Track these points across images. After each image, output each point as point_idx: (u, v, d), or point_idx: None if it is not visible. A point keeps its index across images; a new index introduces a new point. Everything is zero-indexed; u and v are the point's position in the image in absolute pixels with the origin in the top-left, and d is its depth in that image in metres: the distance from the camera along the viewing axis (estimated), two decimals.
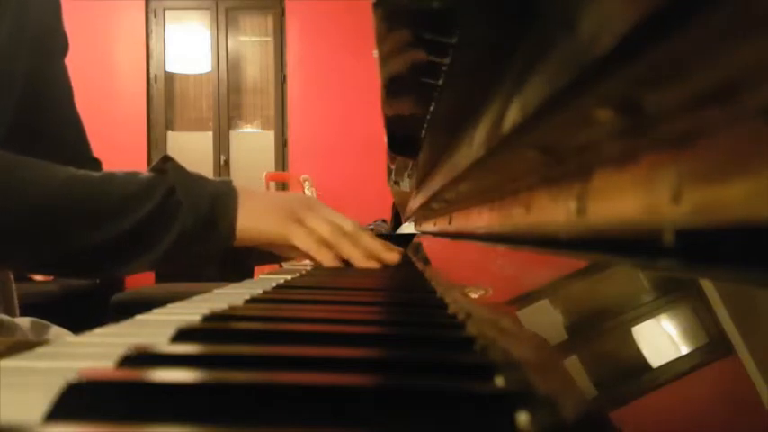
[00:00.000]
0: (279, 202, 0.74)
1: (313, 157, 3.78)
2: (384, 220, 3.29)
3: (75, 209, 0.63)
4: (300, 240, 0.72)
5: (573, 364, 0.21)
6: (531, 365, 0.21)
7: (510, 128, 0.25)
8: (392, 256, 0.75)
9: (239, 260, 0.87)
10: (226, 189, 0.70)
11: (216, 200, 0.68)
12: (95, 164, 0.92)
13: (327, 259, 0.72)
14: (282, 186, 3.70)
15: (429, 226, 0.96)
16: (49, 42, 0.81)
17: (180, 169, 0.69)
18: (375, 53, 0.35)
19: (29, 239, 0.63)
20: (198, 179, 0.69)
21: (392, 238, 1.31)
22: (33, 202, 0.62)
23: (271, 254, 0.91)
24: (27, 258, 0.68)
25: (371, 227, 3.13)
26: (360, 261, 0.73)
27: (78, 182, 0.64)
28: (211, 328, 0.29)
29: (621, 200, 0.18)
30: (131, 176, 0.67)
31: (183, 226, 0.66)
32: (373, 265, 0.74)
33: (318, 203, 0.76)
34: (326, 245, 0.73)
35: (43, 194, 0.62)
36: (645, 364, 0.17)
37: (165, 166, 0.68)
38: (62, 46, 0.85)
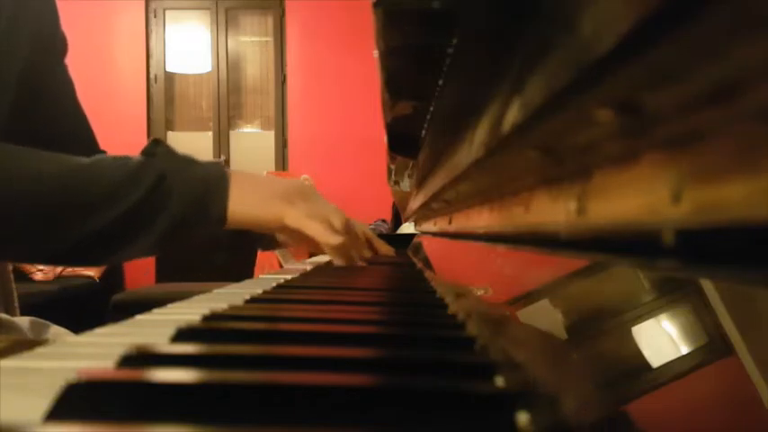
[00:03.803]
0: (272, 185, 0.73)
1: (313, 157, 3.78)
2: (384, 220, 3.29)
3: (65, 200, 0.63)
4: (294, 221, 0.71)
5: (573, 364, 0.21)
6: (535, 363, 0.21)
7: (510, 128, 0.25)
8: (387, 247, 0.76)
9: (246, 245, 0.88)
10: (217, 172, 0.69)
11: (207, 184, 0.68)
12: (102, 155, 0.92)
13: (320, 232, 0.71)
14: None
15: (429, 226, 0.96)
16: (47, 42, 0.81)
17: (170, 154, 0.68)
18: (375, 53, 0.35)
19: (20, 231, 0.63)
20: (189, 163, 0.68)
21: (392, 238, 1.31)
22: (24, 194, 0.61)
23: (275, 240, 0.91)
24: (17, 250, 0.68)
25: (372, 227, 3.13)
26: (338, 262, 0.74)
27: (68, 172, 0.64)
28: (211, 328, 0.29)
29: (621, 200, 0.18)
30: (121, 162, 0.66)
31: (174, 211, 0.66)
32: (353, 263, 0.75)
33: (312, 193, 0.75)
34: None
35: (33, 186, 0.62)
36: (645, 364, 0.17)
37: (155, 150, 0.68)
38: (61, 47, 0.85)
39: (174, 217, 0.66)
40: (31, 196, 0.62)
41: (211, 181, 0.68)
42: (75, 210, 0.63)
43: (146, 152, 0.68)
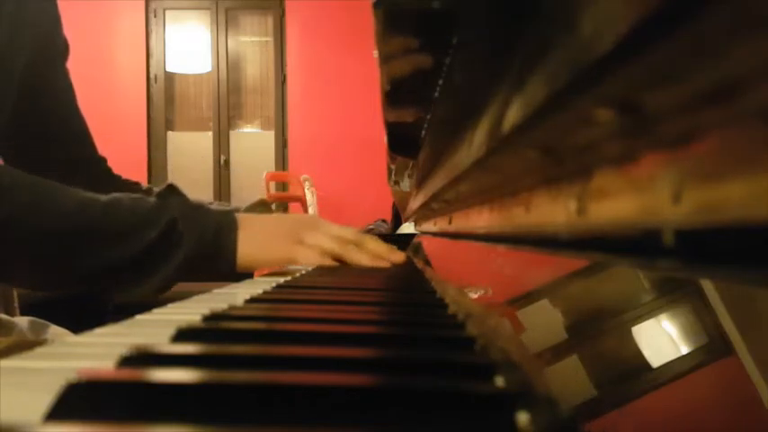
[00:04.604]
0: (279, 227, 0.74)
1: (313, 157, 3.78)
2: (384, 220, 3.29)
3: (81, 235, 0.64)
4: (305, 259, 0.72)
5: (573, 363, 0.21)
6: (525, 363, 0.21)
7: (510, 128, 0.25)
8: (398, 256, 0.76)
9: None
10: (227, 220, 0.71)
11: (218, 231, 0.69)
12: (101, 162, 0.93)
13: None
14: (282, 186, 3.70)
15: (429, 226, 0.96)
16: (48, 45, 0.81)
17: (183, 200, 0.70)
18: (375, 53, 0.35)
19: (33, 264, 0.64)
20: (200, 210, 0.70)
21: (392, 238, 1.31)
22: (41, 228, 0.62)
23: None
24: (30, 279, 0.70)
25: (371, 227, 3.13)
26: (367, 263, 0.73)
27: (86, 208, 0.65)
28: (211, 328, 0.29)
29: (621, 200, 0.18)
30: (137, 203, 0.67)
31: (184, 256, 0.67)
32: (381, 264, 0.75)
33: (319, 221, 0.77)
34: (331, 256, 0.73)
35: (50, 220, 0.63)
36: (645, 364, 0.17)
37: (169, 195, 0.69)
38: (62, 50, 0.85)
39: (182, 262, 0.67)
40: (49, 231, 0.63)
41: (222, 228, 0.70)
42: (88, 247, 0.65)
43: (160, 195, 0.69)
